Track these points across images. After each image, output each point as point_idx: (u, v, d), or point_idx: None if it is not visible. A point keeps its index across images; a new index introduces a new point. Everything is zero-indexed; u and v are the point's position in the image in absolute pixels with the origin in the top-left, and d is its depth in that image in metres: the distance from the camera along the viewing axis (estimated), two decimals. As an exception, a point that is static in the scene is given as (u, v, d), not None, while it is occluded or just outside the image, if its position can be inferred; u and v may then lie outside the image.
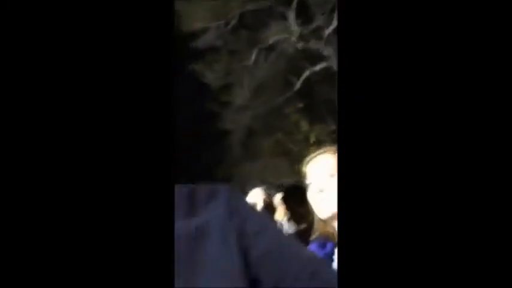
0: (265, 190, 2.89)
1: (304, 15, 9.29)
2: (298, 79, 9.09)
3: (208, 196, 0.73)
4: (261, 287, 0.66)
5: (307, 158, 1.35)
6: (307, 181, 1.29)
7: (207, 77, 9.33)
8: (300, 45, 9.00)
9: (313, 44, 8.97)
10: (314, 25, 8.97)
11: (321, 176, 1.25)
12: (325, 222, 1.28)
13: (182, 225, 0.70)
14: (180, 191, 0.77)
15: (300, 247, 0.69)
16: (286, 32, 8.50)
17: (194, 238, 0.69)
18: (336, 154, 1.26)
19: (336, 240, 1.26)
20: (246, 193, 2.93)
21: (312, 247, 1.32)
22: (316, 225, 1.35)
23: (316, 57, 9.31)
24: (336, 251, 1.26)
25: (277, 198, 2.96)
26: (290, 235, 2.21)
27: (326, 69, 9.03)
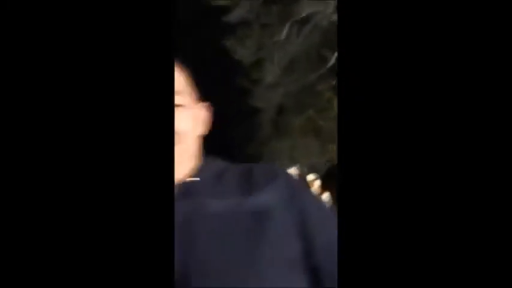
0: (298, 169, 2.92)
1: (340, -14, 9.16)
2: (333, 54, 8.90)
3: (267, 177, 0.78)
4: (321, 275, 0.68)
5: None
6: None
7: (239, 53, 9.43)
8: (334, 17, 8.75)
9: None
10: (350, -3, 8.82)
11: None
12: None
13: (237, 203, 0.75)
14: (236, 169, 0.83)
15: None
16: (321, 4, 8.37)
17: (253, 218, 0.73)
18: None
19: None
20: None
21: None
22: None
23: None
24: None
25: (310, 177, 2.96)
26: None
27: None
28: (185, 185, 0.82)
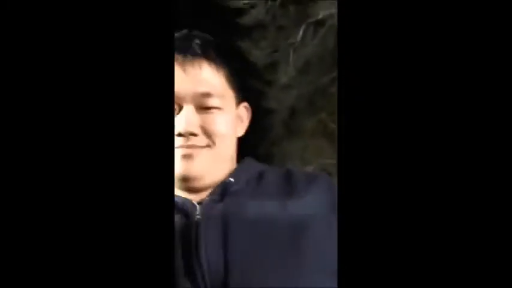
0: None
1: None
2: (347, 58, 8.76)
3: (308, 181, 0.77)
4: None
5: None
6: None
7: (253, 54, 9.33)
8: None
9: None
10: None
11: None
12: None
13: (277, 205, 0.86)
14: (275, 171, 0.96)
15: None
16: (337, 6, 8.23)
17: (294, 222, 0.85)
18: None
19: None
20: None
21: None
22: None
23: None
24: None
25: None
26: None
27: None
28: (223, 185, 0.85)
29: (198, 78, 0.93)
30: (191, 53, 0.95)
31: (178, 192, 0.91)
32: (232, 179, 0.91)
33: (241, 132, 0.97)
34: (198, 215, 0.87)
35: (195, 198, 0.90)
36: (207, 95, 0.92)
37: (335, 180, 0.81)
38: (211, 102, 0.90)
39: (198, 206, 0.88)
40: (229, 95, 0.95)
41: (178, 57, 0.92)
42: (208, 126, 0.92)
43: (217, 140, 0.90)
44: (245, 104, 0.94)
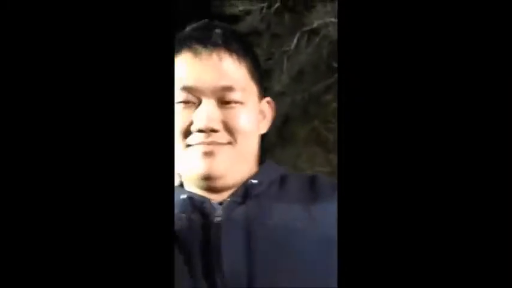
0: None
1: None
2: (340, 66, 8.82)
3: (332, 188, 0.74)
4: None
5: None
6: None
7: None
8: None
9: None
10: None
11: None
12: None
13: (301, 209, 0.73)
14: (299, 176, 0.81)
15: None
16: (332, 14, 8.34)
17: (318, 227, 0.70)
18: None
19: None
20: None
21: None
22: None
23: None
24: None
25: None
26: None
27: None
28: (246, 186, 0.80)
29: (219, 71, 0.78)
30: (212, 44, 0.84)
31: (198, 191, 0.85)
32: (255, 181, 0.84)
33: (263, 129, 0.88)
34: (218, 216, 0.76)
35: (215, 198, 0.80)
36: (229, 88, 0.82)
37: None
38: (233, 96, 0.81)
39: (218, 207, 0.78)
40: (252, 88, 0.85)
41: (197, 48, 0.83)
42: (230, 122, 0.82)
43: (239, 137, 0.82)
44: (268, 99, 0.84)
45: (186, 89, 0.79)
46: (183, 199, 0.80)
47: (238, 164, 0.78)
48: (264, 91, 0.85)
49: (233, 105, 0.77)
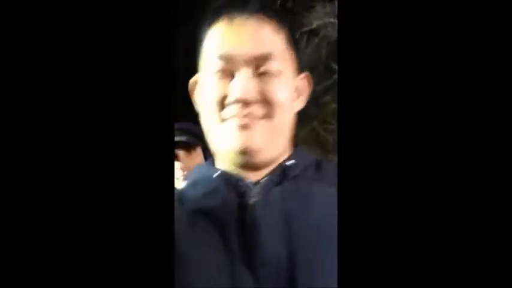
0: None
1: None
2: (340, 67, 8.82)
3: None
4: None
5: None
6: None
7: None
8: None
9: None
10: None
11: None
12: None
13: (334, 195, 0.66)
14: (332, 163, 0.75)
15: None
16: (332, 15, 8.33)
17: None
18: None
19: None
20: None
21: None
22: None
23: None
24: None
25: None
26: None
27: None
28: (282, 167, 0.74)
29: (256, 38, 0.72)
30: (249, 10, 0.78)
31: (232, 169, 0.77)
32: (293, 161, 0.79)
33: (300, 105, 0.81)
34: (254, 196, 0.71)
35: (250, 177, 0.74)
36: (266, 57, 0.72)
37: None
38: (271, 66, 0.74)
39: (254, 186, 0.73)
40: (289, 60, 0.76)
41: (233, 15, 0.78)
42: (267, 94, 0.75)
43: (276, 111, 0.72)
44: (305, 73, 0.78)
45: (221, 58, 0.74)
46: (216, 177, 0.76)
47: (275, 140, 0.73)
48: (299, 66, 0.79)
49: (270, 76, 0.72)
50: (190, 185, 0.82)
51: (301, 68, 0.80)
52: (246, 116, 0.71)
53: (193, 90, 0.84)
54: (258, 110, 0.71)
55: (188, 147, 2.15)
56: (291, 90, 0.76)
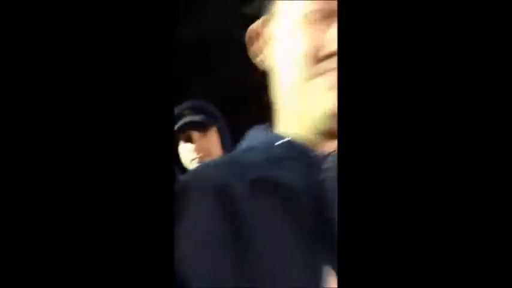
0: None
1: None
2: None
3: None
4: None
5: None
6: None
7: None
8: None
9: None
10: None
11: None
12: None
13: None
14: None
15: None
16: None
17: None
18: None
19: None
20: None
21: None
22: None
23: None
24: None
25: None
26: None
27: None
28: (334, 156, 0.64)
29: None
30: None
31: (303, 136, 0.68)
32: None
33: None
34: (325, 169, 0.64)
35: (324, 148, 0.66)
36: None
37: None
38: None
39: (326, 159, 0.65)
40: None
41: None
42: None
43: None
44: None
45: (315, 9, 0.65)
46: (279, 145, 0.67)
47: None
48: None
49: None
50: (245, 150, 0.72)
51: None
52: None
53: (258, 39, 0.74)
54: None
55: (202, 128, 2.07)
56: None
